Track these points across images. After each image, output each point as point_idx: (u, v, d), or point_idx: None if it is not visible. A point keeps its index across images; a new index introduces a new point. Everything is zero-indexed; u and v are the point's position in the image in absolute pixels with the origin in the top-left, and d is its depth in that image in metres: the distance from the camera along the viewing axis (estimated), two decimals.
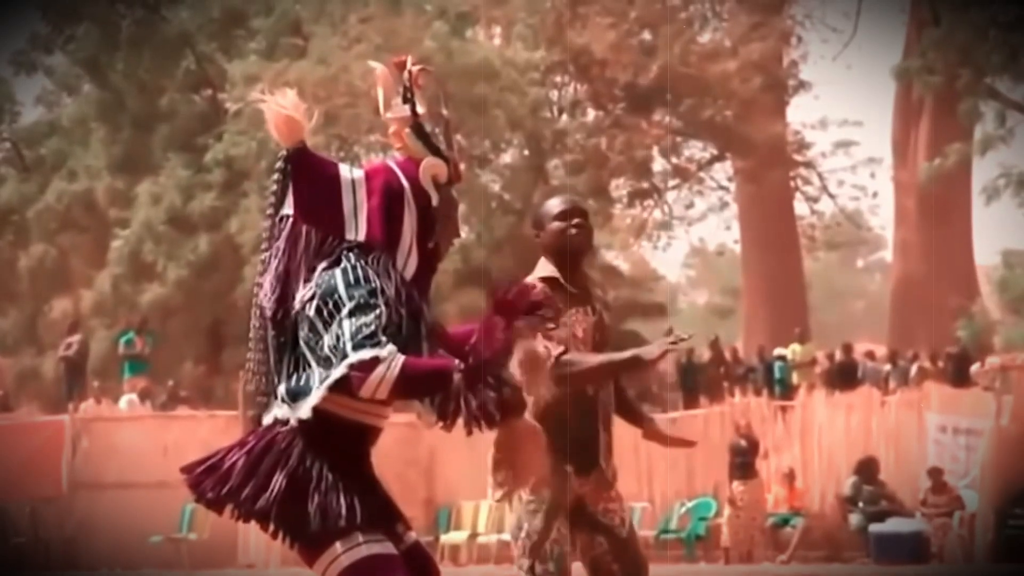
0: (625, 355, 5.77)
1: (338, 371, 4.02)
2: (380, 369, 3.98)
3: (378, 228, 4.20)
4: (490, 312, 4.13)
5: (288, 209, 4.25)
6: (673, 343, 5.57)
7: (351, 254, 4.17)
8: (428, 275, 4.30)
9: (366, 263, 4.15)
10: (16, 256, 34.27)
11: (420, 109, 4.31)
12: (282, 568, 18.88)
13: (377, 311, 4.05)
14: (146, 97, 32.31)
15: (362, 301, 4.05)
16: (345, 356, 4.00)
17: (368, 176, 4.27)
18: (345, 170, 4.28)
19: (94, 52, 32.77)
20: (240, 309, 27.09)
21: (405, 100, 4.31)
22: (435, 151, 4.30)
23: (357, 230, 4.21)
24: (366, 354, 3.98)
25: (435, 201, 4.27)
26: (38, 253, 33.57)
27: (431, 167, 4.28)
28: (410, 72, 4.30)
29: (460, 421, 4.06)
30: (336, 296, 4.07)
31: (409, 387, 4.03)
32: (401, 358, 4.00)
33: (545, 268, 5.92)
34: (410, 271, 4.23)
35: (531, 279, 5.90)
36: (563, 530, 5.73)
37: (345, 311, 4.04)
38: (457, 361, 4.07)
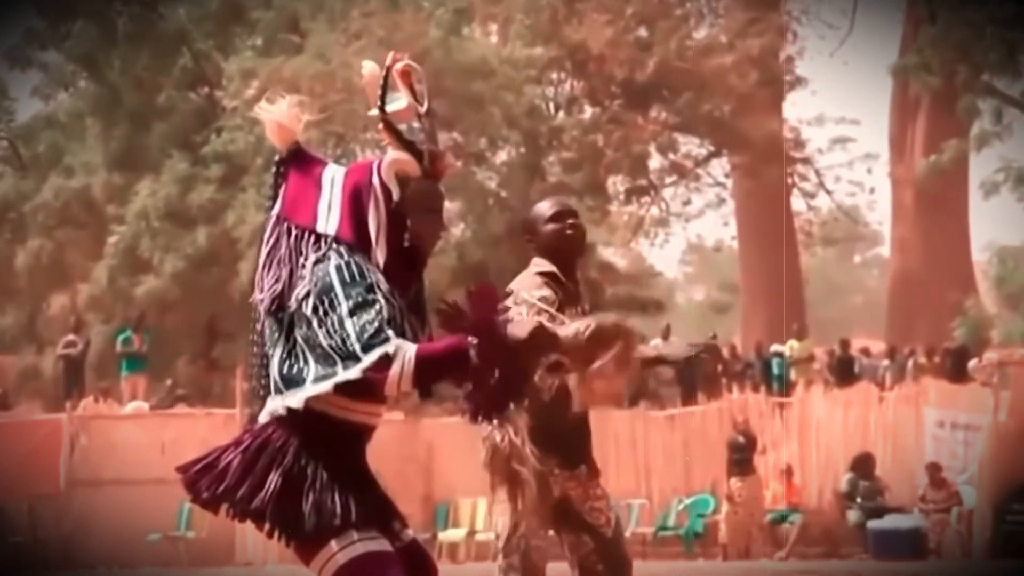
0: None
1: (350, 374, 4.03)
2: (396, 367, 4.00)
3: (346, 225, 4.25)
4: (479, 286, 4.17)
5: (276, 209, 4.37)
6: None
7: (342, 248, 4.21)
8: (410, 270, 4.32)
9: (359, 259, 4.18)
10: (14, 253, 34.24)
11: (397, 106, 4.33)
12: (280, 566, 18.87)
13: (377, 306, 4.07)
14: (143, 94, 32.30)
15: (360, 299, 4.08)
16: (355, 358, 4.01)
17: (346, 174, 4.35)
18: (330, 169, 4.37)
19: (90, 48, 32.73)
20: (236, 304, 27.09)
21: (382, 97, 4.35)
22: (408, 146, 4.32)
23: (328, 224, 4.26)
24: (375, 355, 4.00)
25: (395, 196, 4.28)
26: (36, 250, 33.54)
27: (394, 162, 4.31)
28: (388, 68, 4.34)
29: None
30: (332, 294, 4.10)
31: (429, 374, 4.06)
32: (412, 349, 4.02)
33: (543, 265, 5.91)
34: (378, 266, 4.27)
35: (528, 274, 5.90)
36: (533, 525, 5.71)
37: (345, 310, 4.06)
38: (469, 337, 4.06)
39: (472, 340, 4.04)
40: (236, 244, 28.74)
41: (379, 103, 4.33)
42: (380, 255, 4.25)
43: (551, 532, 5.88)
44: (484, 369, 4.04)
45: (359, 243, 4.23)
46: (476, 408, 4.12)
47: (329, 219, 4.26)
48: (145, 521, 20.73)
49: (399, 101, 4.34)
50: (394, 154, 4.32)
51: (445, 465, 21.29)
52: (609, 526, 5.87)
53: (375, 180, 4.30)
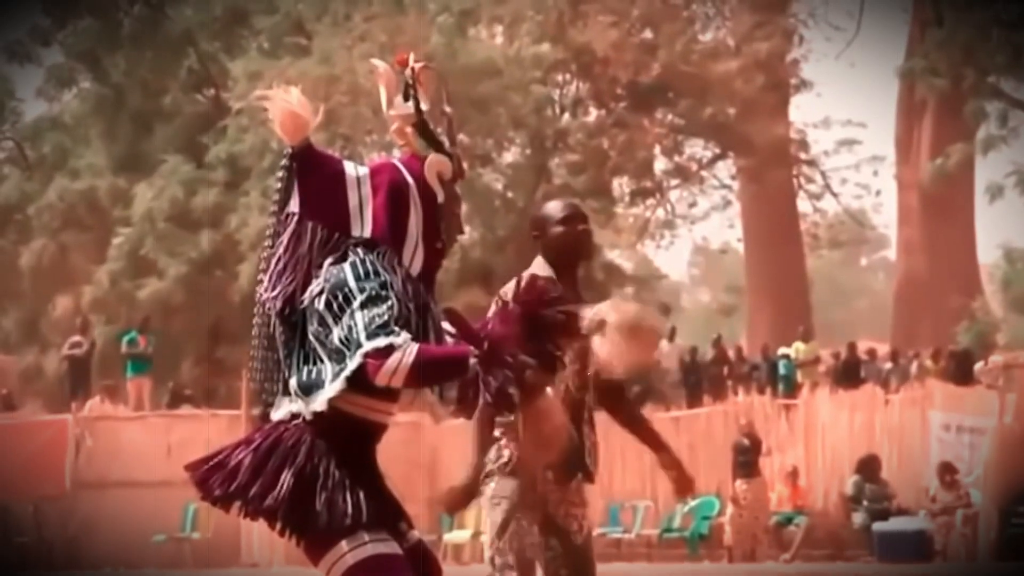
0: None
1: (354, 362, 4.02)
2: (395, 356, 3.98)
3: (384, 224, 4.21)
4: (508, 303, 4.22)
5: (293, 206, 4.25)
6: None
7: (359, 249, 4.18)
8: (434, 271, 4.32)
9: (374, 258, 4.16)
10: (19, 254, 34.26)
11: (423, 106, 4.32)
12: (285, 567, 18.88)
13: (389, 303, 4.06)
14: (148, 96, 32.30)
15: (373, 293, 4.07)
16: (359, 347, 4.01)
17: (373, 173, 4.27)
18: (350, 167, 4.28)
19: (94, 47, 32.71)
20: (239, 307, 27.11)
21: (407, 98, 4.31)
22: (439, 148, 4.31)
23: (363, 226, 4.21)
24: (381, 342, 3.99)
25: (440, 198, 4.28)
26: (40, 251, 33.55)
27: (436, 164, 4.29)
28: (412, 69, 4.31)
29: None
30: (346, 289, 4.08)
31: (424, 374, 4.04)
32: (415, 345, 4.02)
33: (540, 268, 5.89)
34: (416, 267, 4.24)
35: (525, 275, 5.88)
36: (525, 524, 5.70)
37: (357, 303, 4.05)
38: (472, 348, 4.10)
39: (474, 351, 4.07)
40: (238, 247, 28.77)
41: (414, 104, 4.28)
42: (420, 255, 4.24)
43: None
44: (485, 376, 4.08)
45: (393, 244, 4.20)
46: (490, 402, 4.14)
47: (363, 220, 4.21)
48: (150, 522, 20.76)
49: (423, 103, 4.32)
50: (435, 156, 4.29)
51: (450, 467, 21.27)
52: (580, 533, 5.84)
53: (410, 180, 4.26)
